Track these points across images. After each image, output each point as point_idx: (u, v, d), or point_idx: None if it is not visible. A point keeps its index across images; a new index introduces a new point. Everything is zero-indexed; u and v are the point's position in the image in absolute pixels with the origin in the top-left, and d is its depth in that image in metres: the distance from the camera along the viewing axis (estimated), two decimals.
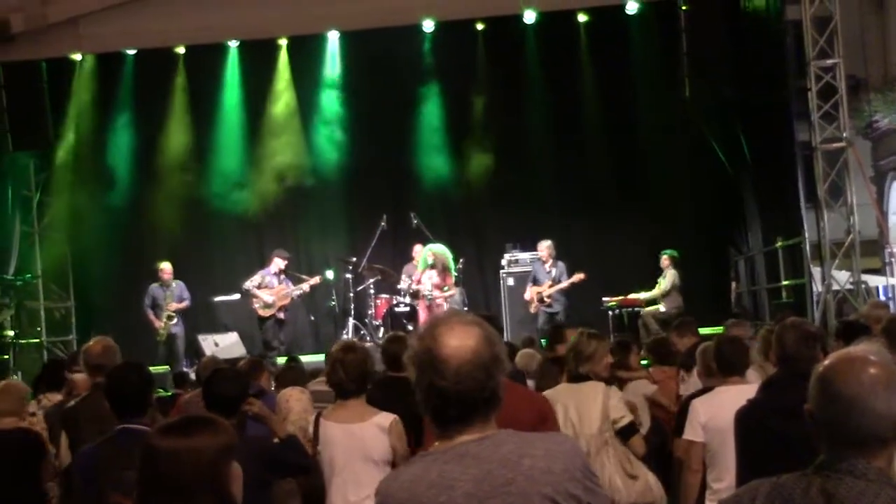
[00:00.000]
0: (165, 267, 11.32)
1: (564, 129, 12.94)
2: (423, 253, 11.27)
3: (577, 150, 12.87)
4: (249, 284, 11.26)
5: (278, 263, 11.36)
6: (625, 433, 4.33)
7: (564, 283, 11.13)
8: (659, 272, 11.10)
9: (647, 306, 10.89)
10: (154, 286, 11.35)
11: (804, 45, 10.35)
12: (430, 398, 1.82)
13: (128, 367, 3.82)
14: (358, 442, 3.90)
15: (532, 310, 11.35)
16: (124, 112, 12.82)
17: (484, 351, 1.83)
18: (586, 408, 4.29)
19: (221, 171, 12.80)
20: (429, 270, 11.19)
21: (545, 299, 11.20)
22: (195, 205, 12.70)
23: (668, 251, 11.06)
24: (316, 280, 11.53)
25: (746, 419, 3.40)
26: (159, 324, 11.18)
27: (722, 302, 12.42)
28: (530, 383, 5.56)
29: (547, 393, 4.42)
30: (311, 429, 4.10)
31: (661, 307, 10.72)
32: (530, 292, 11.36)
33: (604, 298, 11.32)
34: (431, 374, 1.81)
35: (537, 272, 11.46)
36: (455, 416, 1.82)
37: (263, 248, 12.98)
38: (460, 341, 1.82)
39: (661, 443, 5.05)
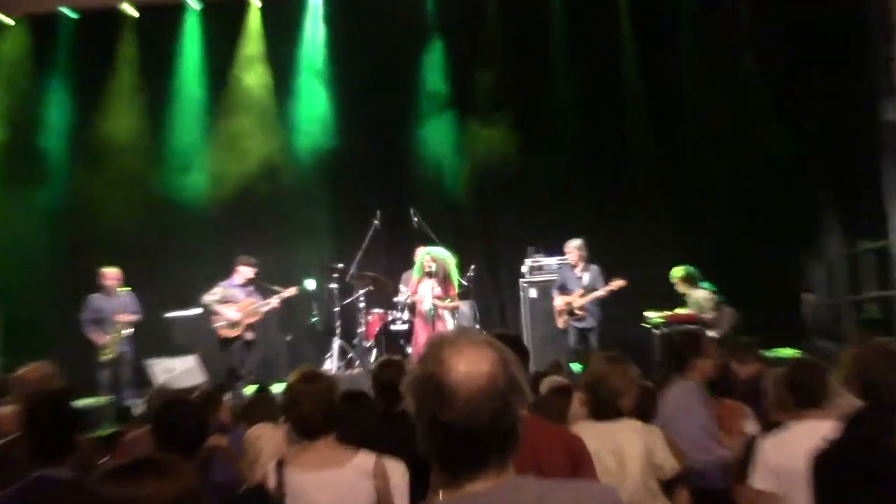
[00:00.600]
0: (111, 273, 11.32)
1: (598, 105, 12.92)
2: (420, 258, 11.21)
3: (614, 131, 12.86)
4: (209, 299, 11.23)
5: (244, 273, 11.35)
6: (671, 484, 4.28)
7: (601, 291, 11.07)
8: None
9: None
10: (96, 296, 11.34)
11: (890, 6, 10.31)
12: (434, 436, 1.80)
13: (47, 398, 3.79)
14: (337, 494, 3.79)
15: (560, 324, 11.31)
16: (61, 85, 12.85)
17: (500, 377, 1.82)
18: (625, 452, 4.24)
19: (178, 157, 12.85)
20: (427, 280, 11.10)
21: (576, 311, 11.14)
22: (146, 198, 12.71)
23: (679, 269, 10.72)
24: (291, 291, 11.50)
25: (825, 461, 3.37)
26: (105, 339, 11.16)
27: (793, 318, 12.36)
28: None
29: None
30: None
31: (713, 333, 10.61)
32: (558, 302, 11.31)
33: (646, 314, 11.28)
34: (435, 405, 1.79)
35: (566, 279, 11.42)
36: (464, 459, 1.80)
37: (230, 251, 12.93)
38: (471, 365, 1.81)
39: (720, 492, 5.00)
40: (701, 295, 10.65)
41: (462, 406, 1.78)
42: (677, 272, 10.77)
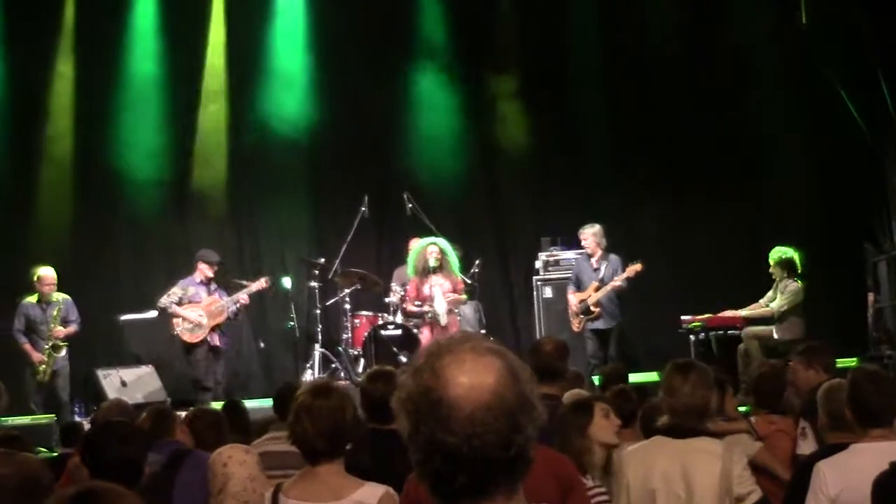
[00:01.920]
0: (46, 275, 11.25)
1: (626, 72, 12.93)
2: (417, 251, 11.13)
3: (645, 103, 12.86)
4: (167, 301, 11.23)
5: (204, 270, 11.36)
6: None
7: (616, 282, 11.01)
8: (766, 280, 11.02)
9: (749, 326, 10.81)
10: (28, 303, 11.28)
11: None
12: (431, 460, 1.81)
13: None
14: None
15: (575, 327, 11.28)
16: None
17: (507, 392, 1.82)
18: (699, 476, 4.28)
19: (129, 139, 12.79)
20: (433, 276, 11.05)
21: (591, 309, 11.12)
22: (91, 187, 12.69)
23: (783, 250, 10.86)
24: (262, 284, 11.49)
25: (891, 488, 3.38)
26: (39, 356, 11.15)
27: (855, 321, 12.38)
28: None
29: (634, 450, 4.41)
30: None
31: (774, 333, 10.65)
32: (572, 300, 11.31)
33: (683, 317, 11.28)
34: (433, 424, 1.80)
35: (581, 270, 11.39)
36: (467, 486, 1.81)
37: (191, 244, 12.96)
38: (474, 378, 1.82)
39: None
40: (793, 287, 10.57)
41: (464, 426, 1.78)
42: (785, 253, 10.69)
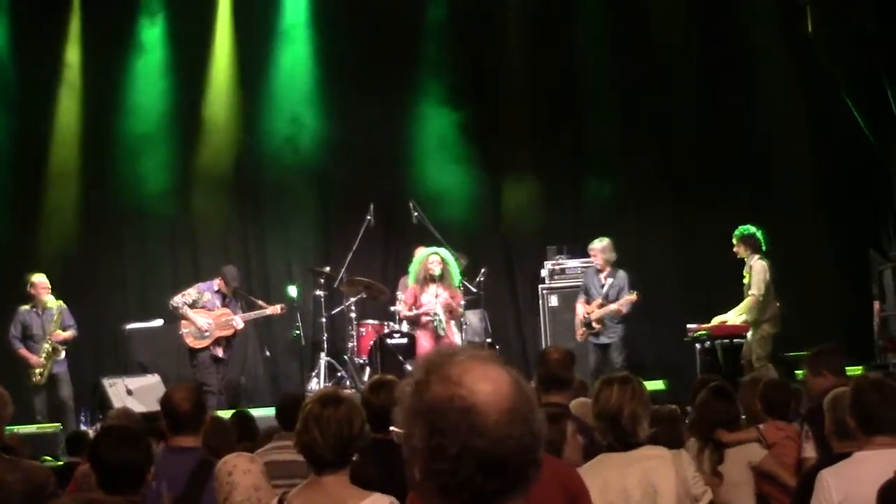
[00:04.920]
0: (39, 281, 11.28)
1: (632, 76, 12.94)
2: (419, 259, 11.10)
3: (652, 108, 12.87)
4: (180, 301, 11.24)
5: (221, 285, 11.34)
6: None
7: (613, 306, 11.07)
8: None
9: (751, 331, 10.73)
10: (23, 310, 11.33)
11: None
12: (463, 468, 1.80)
13: None
14: None
15: (578, 337, 11.29)
16: None
17: (519, 397, 1.84)
18: (658, 482, 4.28)
19: (134, 141, 12.80)
20: (433, 285, 11.03)
21: (593, 324, 11.15)
22: (97, 196, 12.71)
23: (745, 227, 10.58)
24: (276, 309, 11.51)
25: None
26: (37, 360, 11.17)
27: (860, 330, 12.34)
28: None
29: (585, 469, 4.39)
30: None
31: (754, 348, 10.51)
32: (579, 311, 11.33)
33: (689, 326, 11.25)
34: (465, 432, 1.79)
35: (590, 283, 11.41)
36: (496, 490, 1.81)
37: (197, 253, 13.00)
38: (492, 384, 1.83)
39: None
40: (760, 266, 10.49)
41: (495, 430, 1.79)
42: (739, 230, 10.57)
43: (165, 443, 5.21)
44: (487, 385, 1.82)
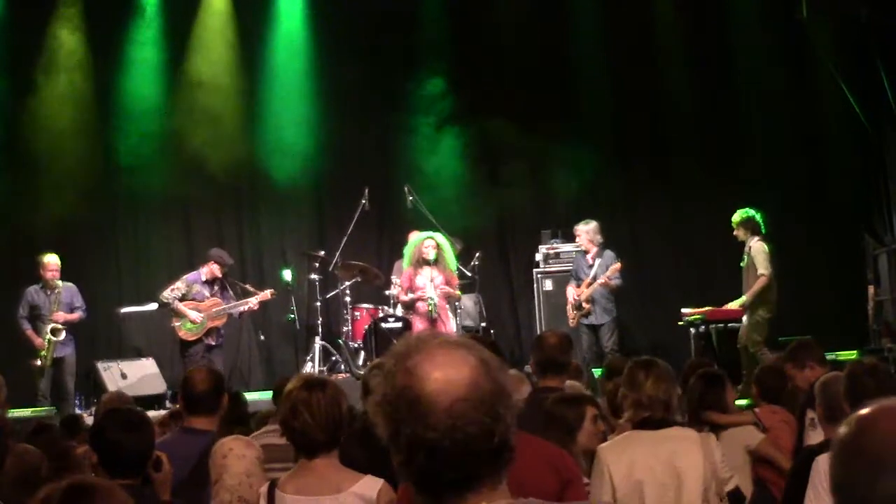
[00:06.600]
0: (50, 262, 11.28)
1: (627, 60, 12.89)
2: (414, 243, 11.07)
3: (647, 92, 12.85)
4: (169, 295, 11.20)
5: (214, 270, 11.33)
6: (733, 501, 4.36)
7: (600, 279, 11.04)
8: None
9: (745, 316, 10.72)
10: (33, 289, 11.33)
11: None
12: (415, 459, 1.81)
13: None
14: None
15: (571, 322, 11.31)
16: None
17: (482, 382, 1.83)
18: (684, 463, 4.30)
19: (134, 127, 12.77)
20: (428, 268, 11.00)
21: (583, 305, 11.16)
22: (94, 175, 12.68)
23: (745, 210, 10.56)
24: (266, 295, 11.49)
25: None
26: (40, 342, 11.17)
27: (855, 315, 12.37)
28: None
29: (610, 445, 4.41)
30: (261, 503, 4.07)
31: (747, 332, 10.48)
32: (569, 295, 11.34)
33: (684, 310, 11.27)
34: (413, 423, 1.80)
35: (578, 266, 11.44)
36: (453, 481, 1.81)
37: (192, 236, 12.96)
38: (448, 372, 1.82)
39: None
40: (761, 248, 10.47)
41: (444, 420, 1.79)
42: (738, 214, 10.55)
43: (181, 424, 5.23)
44: (440, 374, 1.81)
